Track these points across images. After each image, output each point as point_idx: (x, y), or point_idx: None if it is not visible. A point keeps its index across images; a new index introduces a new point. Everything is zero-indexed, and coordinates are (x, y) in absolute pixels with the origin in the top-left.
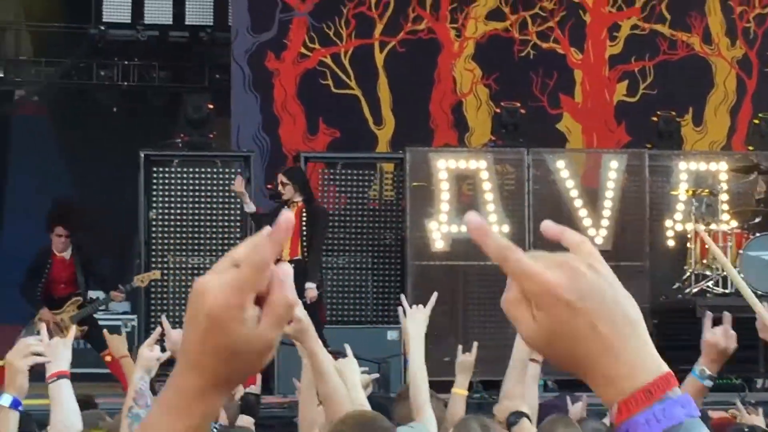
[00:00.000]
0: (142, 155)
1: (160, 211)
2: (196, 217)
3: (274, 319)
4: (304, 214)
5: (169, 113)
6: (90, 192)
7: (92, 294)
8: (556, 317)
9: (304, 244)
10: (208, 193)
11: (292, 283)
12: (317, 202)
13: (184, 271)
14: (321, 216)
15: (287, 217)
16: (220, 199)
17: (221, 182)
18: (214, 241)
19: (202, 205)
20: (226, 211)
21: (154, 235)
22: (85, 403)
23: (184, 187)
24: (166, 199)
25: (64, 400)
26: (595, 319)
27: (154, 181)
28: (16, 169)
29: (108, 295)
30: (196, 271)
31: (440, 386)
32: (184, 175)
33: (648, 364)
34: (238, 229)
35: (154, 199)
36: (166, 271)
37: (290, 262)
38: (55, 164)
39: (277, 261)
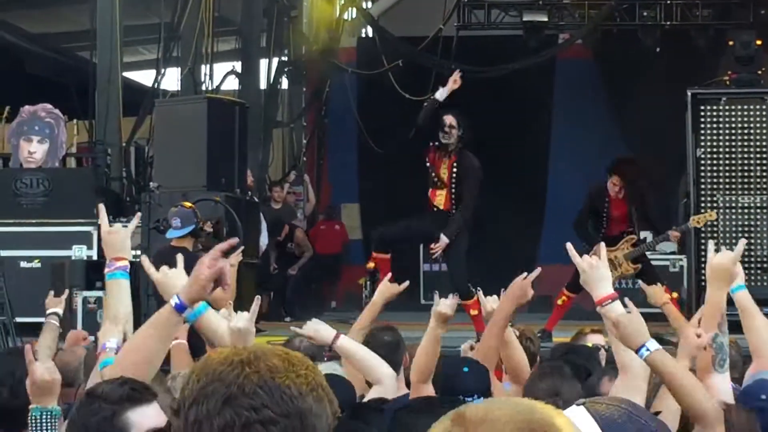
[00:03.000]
0: (689, 94)
1: (708, 149)
2: (745, 156)
3: None
4: (455, 167)
5: (714, 51)
6: (634, 133)
7: (643, 234)
8: None
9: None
10: (757, 131)
11: None
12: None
13: (733, 210)
14: (471, 169)
15: None
16: None
17: None
18: (763, 180)
19: (751, 143)
20: None
21: (702, 173)
22: None
23: (732, 125)
24: (714, 137)
25: None
26: None
27: (702, 119)
28: (560, 111)
29: (662, 236)
30: (746, 211)
31: None
32: (732, 113)
33: None
34: None
35: (702, 137)
36: (715, 211)
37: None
38: (599, 106)
39: None
